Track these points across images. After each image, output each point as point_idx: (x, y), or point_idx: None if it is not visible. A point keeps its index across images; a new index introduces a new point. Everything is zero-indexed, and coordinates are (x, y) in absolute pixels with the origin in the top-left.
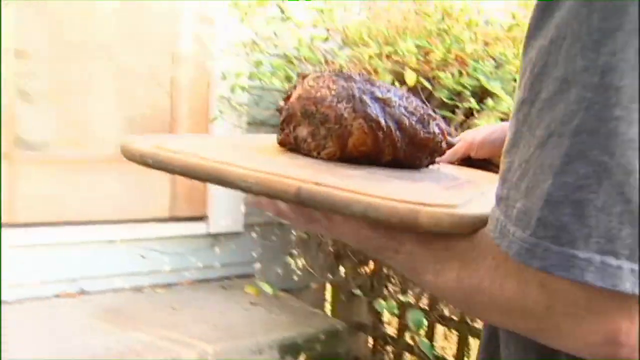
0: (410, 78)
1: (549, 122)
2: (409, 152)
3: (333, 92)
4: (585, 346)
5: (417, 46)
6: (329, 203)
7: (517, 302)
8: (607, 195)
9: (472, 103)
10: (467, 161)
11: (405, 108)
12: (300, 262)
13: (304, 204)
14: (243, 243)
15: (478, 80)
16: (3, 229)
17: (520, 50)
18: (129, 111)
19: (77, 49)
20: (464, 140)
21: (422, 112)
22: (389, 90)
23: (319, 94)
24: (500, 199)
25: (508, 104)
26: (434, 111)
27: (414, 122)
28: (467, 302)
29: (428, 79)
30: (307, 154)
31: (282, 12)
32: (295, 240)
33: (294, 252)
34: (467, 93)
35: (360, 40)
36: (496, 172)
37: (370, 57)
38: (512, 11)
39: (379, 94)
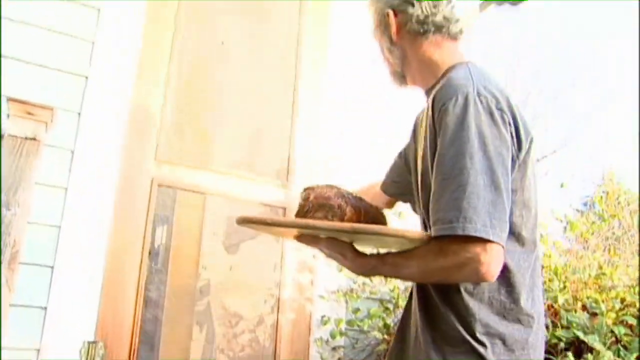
0: None
1: (446, 183)
2: (371, 222)
3: (333, 193)
4: (469, 272)
5: None
6: (373, 231)
7: (443, 265)
8: (466, 206)
9: (569, 357)
10: None
11: (367, 202)
12: None
13: (357, 232)
14: None
15: (572, 332)
16: None
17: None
18: (234, 353)
19: (189, 293)
20: None
21: (375, 205)
22: (357, 194)
23: (326, 195)
24: (433, 221)
25: (608, 358)
26: None
27: (373, 209)
28: (421, 275)
29: None
30: None
31: None
32: None
33: None
34: (562, 345)
35: None
36: None
37: None
38: (599, 261)
39: (354, 195)
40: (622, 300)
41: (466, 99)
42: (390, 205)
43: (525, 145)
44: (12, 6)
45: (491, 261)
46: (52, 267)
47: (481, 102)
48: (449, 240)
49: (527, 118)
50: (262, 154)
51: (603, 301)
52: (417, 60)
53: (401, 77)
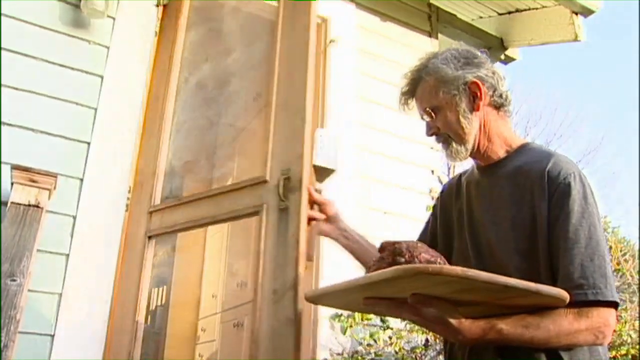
0: None
1: (588, 253)
2: None
3: (433, 252)
4: (597, 336)
5: None
6: (528, 288)
7: (578, 328)
8: (609, 274)
9: None
10: None
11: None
12: None
13: (509, 287)
14: None
15: None
16: None
17: None
18: None
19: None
20: None
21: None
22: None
23: (430, 253)
24: (572, 286)
25: None
26: None
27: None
28: (551, 338)
29: None
30: None
31: (383, 322)
32: None
33: None
34: None
35: None
36: None
37: None
38: None
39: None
40: (634, 358)
41: (581, 177)
42: None
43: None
44: (16, 74)
45: (614, 326)
46: (52, 336)
47: (588, 185)
48: (590, 304)
49: None
50: None
51: (615, 358)
52: (493, 132)
53: (464, 149)
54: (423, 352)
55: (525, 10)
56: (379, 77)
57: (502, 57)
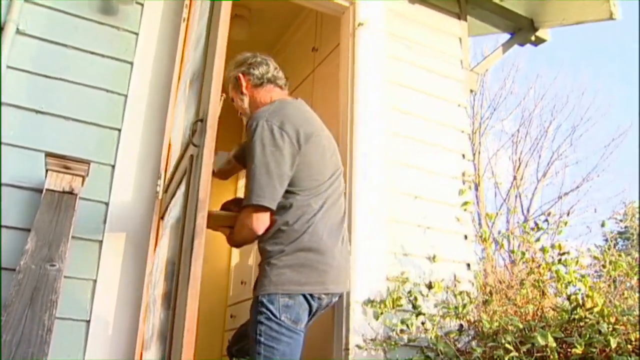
0: None
1: (247, 176)
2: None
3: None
4: (247, 231)
5: (556, 339)
6: (218, 214)
7: (237, 228)
8: (249, 189)
9: None
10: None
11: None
12: None
13: (216, 215)
14: None
15: None
16: None
17: None
18: None
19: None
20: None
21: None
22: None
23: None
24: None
25: None
26: None
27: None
28: (236, 237)
29: None
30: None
31: (414, 307)
32: None
33: None
34: None
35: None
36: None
37: (507, 350)
38: None
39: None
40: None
41: (262, 125)
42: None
43: (302, 144)
44: (46, 62)
45: (260, 221)
46: (88, 321)
47: (267, 125)
48: (244, 210)
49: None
50: None
51: None
52: (257, 102)
53: (248, 117)
54: (457, 337)
55: None
56: (407, 60)
57: (533, 38)
